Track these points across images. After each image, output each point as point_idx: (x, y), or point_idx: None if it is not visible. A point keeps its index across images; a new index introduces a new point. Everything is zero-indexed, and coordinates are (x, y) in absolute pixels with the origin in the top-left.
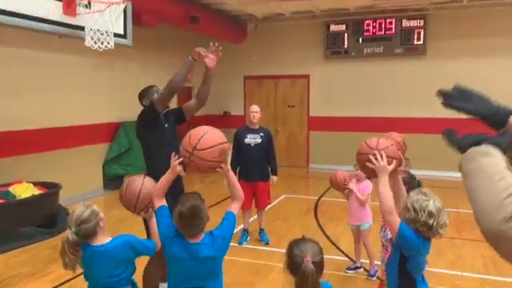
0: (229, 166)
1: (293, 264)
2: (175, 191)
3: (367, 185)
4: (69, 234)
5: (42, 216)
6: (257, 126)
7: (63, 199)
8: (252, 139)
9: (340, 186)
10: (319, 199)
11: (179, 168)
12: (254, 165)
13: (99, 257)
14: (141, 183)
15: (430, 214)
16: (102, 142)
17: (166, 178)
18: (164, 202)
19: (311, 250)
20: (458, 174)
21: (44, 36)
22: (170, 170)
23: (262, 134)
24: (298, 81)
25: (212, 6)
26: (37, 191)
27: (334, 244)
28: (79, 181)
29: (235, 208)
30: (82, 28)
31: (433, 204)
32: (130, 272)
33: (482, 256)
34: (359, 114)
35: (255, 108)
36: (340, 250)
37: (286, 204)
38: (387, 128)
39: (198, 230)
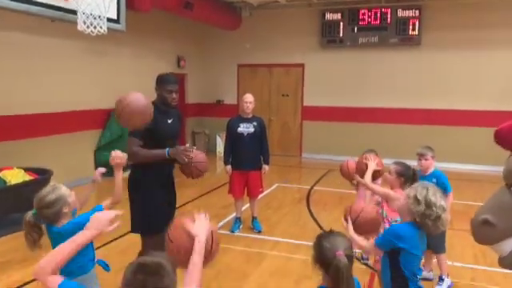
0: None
1: (323, 258)
2: (163, 179)
3: None
4: (28, 215)
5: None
6: (250, 115)
7: None
8: (245, 128)
9: (352, 175)
10: (311, 188)
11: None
12: (247, 154)
13: (57, 238)
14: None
15: (444, 210)
16: (94, 128)
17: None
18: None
19: (342, 243)
20: (447, 164)
21: (35, 19)
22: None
23: (255, 124)
24: (292, 70)
25: None
26: (28, 177)
27: None
28: (70, 167)
29: None
30: (74, 12)
31: (444, 200)
32: (87, 254)
33: (473, 246)
34: (353, 104)
35: (249, 98)
36: None
37: (278, 193)
38: (380, 118)
39: None
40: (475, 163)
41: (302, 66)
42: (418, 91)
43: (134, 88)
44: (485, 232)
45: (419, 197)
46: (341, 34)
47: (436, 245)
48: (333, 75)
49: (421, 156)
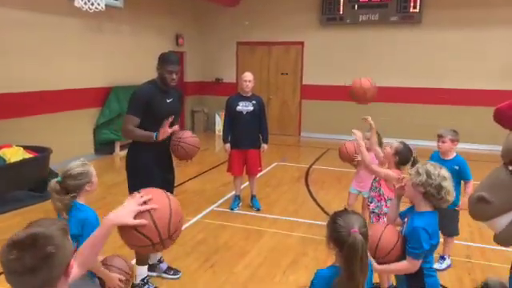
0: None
1: (338, 236)
2: (162, 157)
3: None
4: (52, 182)
5: (33, 180)
6: (249, 94)
7: (53, 164)
8: (244, 107)
9: (350, 157)
10: (310, 167)
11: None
12: (246, 132)
13: (72, 212)
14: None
15: (444, 178)
16: (93, 106)
17: None
18: None
19: (357, 221)
20: None
21: None
22: None
23: (254, 102)
24: (291, 48)
25: None
26: (27, 155)
27: (324, 211)
28: (70, 145)
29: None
30: None
31: (445, 171)
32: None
33: (469, 225)
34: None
35: (248, 76)
36: None
37: (277, 172)
38: (379, 97)
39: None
40: (475, 143)
41: (301, 43)
42: (419, 70)
43: (131, 65)
44: (481, 208)
45: (420, 170)
46: (341, 12)
47: (449, 228)
48: (332, 53)
49: (439, 137)
